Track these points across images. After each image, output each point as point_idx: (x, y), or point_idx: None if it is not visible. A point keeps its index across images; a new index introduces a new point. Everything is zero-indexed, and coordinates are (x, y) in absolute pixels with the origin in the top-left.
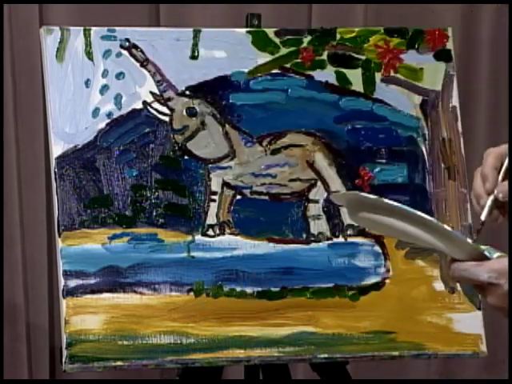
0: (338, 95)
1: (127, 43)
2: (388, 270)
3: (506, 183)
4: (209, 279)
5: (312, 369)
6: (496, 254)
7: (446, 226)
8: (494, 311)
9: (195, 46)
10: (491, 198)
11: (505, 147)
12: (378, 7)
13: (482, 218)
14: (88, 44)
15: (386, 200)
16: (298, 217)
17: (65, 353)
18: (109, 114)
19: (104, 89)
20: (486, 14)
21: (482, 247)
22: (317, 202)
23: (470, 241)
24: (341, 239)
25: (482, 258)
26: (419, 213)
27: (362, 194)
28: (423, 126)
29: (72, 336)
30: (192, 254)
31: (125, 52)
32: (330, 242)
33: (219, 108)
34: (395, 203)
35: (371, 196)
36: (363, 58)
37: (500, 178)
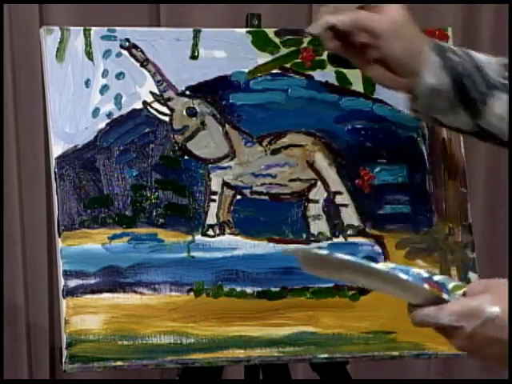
0: (338, 95)
1: (127, 43)
2: None
3: (341, 12)
4: (209, 279)
5: (312, 369)
6: (452, 284)
7: (400, 275)
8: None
9: (195, 46)
10: (325, 18)
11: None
12: None
13: (309, 29)
14: (88, 44)
15: (337, 254)
16: (298, 217)
17: (65, 353)
18: (109, 114)
19: (104, 89)
20: (486, 14)
21: (436, 277)
22: (317, 202)
23: (425, 286)
24: (341, 239)
25: (440, 300)
26: (373, 265)
27: (313, 250)
28: (423, 126)
29: (72, 336)
30: (192, 254)
31: (125, 52)
32: (330, 242)
33: (219, 108)
34: (347, 257)
35: (321, 252)
36: None
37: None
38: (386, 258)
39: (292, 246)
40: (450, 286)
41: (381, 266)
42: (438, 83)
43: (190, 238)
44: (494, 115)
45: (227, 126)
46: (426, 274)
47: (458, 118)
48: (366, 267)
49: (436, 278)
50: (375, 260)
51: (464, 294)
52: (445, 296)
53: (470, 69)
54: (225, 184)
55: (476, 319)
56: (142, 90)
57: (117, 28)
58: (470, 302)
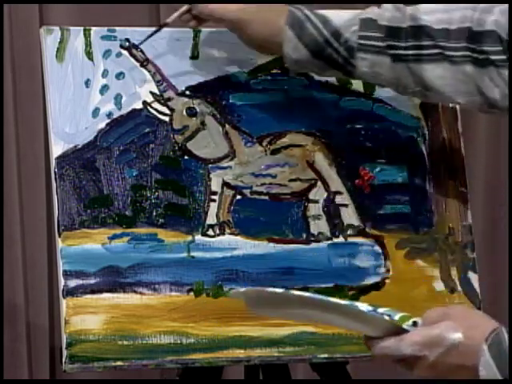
0: (338, 95)
1: (127, 43)
2: (388, 270)
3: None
4: (209, 279)
5: (312, 369)
6: (398, 316)
7: (359, 307)
8: (494, 310)
9: (195, 46)
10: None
11: None
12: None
13: (167, 20)
14: (88, 44)
15: (295, 292)
16: (298, 217)
17: (65, 353)
18: (109, 114)
19: (104, 89)
20: None
21: (381, 310)
22: (317, 202)
23: (385, 317)
24: (341, 239)
25: (399, 331)
26: (331, 299)
27: (267, 289)
28: (423, 126)
29: (72, 336)
30: (192, 254)
31: (125, 52)
32: (330, 241)
33: (219, 108)
34: (305, 294)
35: (277, 290)
36: None
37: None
38: (386, 258)
39: (242, 289)
40: (397, 316)
41: (338, 300)
42: (299, 56)
43: (189, 237)
44: (362, 72)
45: (227, 125)
46: (370, 307)
47: (333, 74)
48: (325, 302)
49: (381, 310)
50: (377, 259)
51: (414, 324)
52: (405, 326)
53: (328, 36)
54: (225, 184)
55: (439, 347)
56: (141, 90)
57: (117, 28)
58: (431, 330)
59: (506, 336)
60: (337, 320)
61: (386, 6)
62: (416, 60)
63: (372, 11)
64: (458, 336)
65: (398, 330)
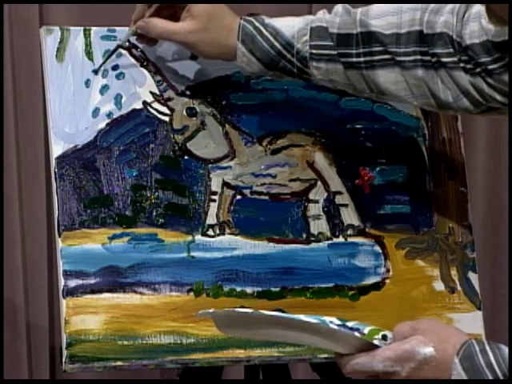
0: (338, 95)
1: (127, 43)
2: (388, 270)
3: (146, 23)
4: (209, 279)
5: (312, 369)
6: (367, 329)
7: (330, 325)
8: (494, 310)
9: None
10: (133, 27)
11: None
12: None
13: (120, 42)
14: (88, 44)
15: (264, 312)
16: (298, 217)
17: (65, 353)
18: (109, 114)
19: (104, 89)
20: None
21: (350, 324)
22: (317, 202)
23: (356, 334)
24: (341, 239)
25: (370, 346)
26: (301, 317)
27: (236, 310)
28: (423, 126)
29: (72, 336)
30: (192, 254)
31: (125, 52)
32: (330, 241)
33: (219, 108)
34: (272, 313)
35: (246, 310)
36: None
37: (147, 12)
38: (386, 258)
39: (210, 310)
40: (366, 330)
41: (306, 317)
42: (254, 70)
43: (189, 237)
44: (319, 79)
45: (227, 125)
46: (338, 321)
47: (291, 80)
48: (295, 320)
49: (350, 324)
50: (377, 259)
51: (384, 338)
52: (376, 342)
53: (279, 49)
54: (225, 184)
55: (410, 362)
56: (141, 90)
57: (117, 28)
58: (402, 345)
59: (478, 348)
60: (307, 338)
61: (337, 8)
62: (368, 67)
63: (323, 17)
64: (429, 350)
65: (368, 346)
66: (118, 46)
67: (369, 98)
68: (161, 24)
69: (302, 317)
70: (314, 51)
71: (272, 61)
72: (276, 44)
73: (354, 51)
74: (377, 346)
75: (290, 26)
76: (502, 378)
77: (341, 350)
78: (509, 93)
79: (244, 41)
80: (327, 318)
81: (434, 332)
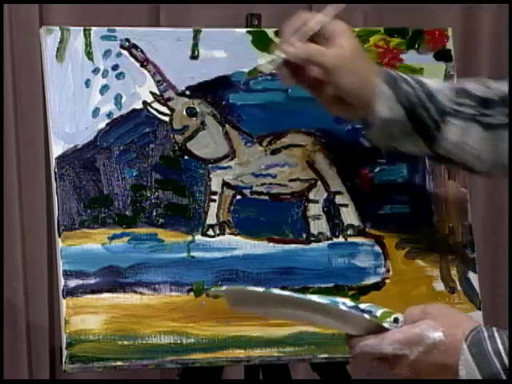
0: None
1: (127, 43)
2: (388, 270)
3: (293, 46)
4: (209, 279)
5: (312, 369)
6: (379, 312)
7: (340, 306)
8: (494, 310)
9: (195, 46)
10: (277, 53)
11: (319, 16)
12: (378, 7)
13: (261, 67)
14: (88, 44)
15: (275, 290)
16: (298, 217)
17: (65, 353)
18: (109, 114)
19: (104, 89)
20: (486, 14)
21: (363, 305)
22: (317, 202)
23: (366, 316)
24: (341, 239)
25: (380, 329)
26: (312, 298)
27: (248, 288)
28: None
29: (72, 336)
30: (192, 254)
31: (125, 52)
32: (330, 241)
33: (219, 108)
34: (285, 292)
35: (258, 289)
36: None
37: (293, 38)
38: (386, 258)
39: (223, 287)
40: (379, 313)
41: (318, 298)
42: (392, 114)
43: (189, 238)
44: (448, 142)
45: (227, 125)
46: (351, 303)
47: (413, 145)
48: (306, 301)
49: (362, 306)
50: (377, 259)
51: (395, 321)
52: (385, 325)
53: (423, 97)
54: (225, 184)
55: (419, 346)
56: (141, 90)
57: (117, 28)
58: (412, 329)
59: (486, 335)
60: (318, 319)
61: (474, 83)
62: (504, 127)
63: (464, 83)
64: (438, 335)
65: (378, 329)
66: (259, 72)
67: (480, 173)
68: (309, 46)
69: (314, 297)
70: (455, 107)
71: (412, 106)
72: (419, 91)
73: (494, 113)
74: (387, 329)
75: (431, 80)
76: (508, 365)
77: (351, 331)
78: (509, 93)
79: (388, 82)
80: (340, 300)
81: (444, 317)
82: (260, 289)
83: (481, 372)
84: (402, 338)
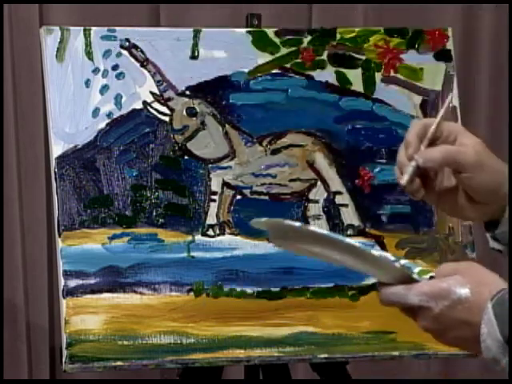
0: (338, 95)
1: (127, 43)
2: None
3: (428, 150)
4: (209, 279)
5: (312, 369)
6: (417, 269)
7: (372, 251)
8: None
9: (195, 46)
10: (412, 163)
11: (430, 120)
12: (378, 7)
13: (403, 182)
14: (88, 44)
15: (311, 227)
16: (298, 217)
17: (65, 353)
18: (109, 114)
19: (104, 89)
20: (486, 13)
21: (403, 261)
22: (317, 202)
23: (396, 264)
24: None
25: (410, 280)
26: (346, 240)
27: (286, 221)
28: None
29: (72, 336)
30: (192, 254)
31: (125, 52)
32: None
33: (219, 108)
34: (320, 230)
35: (295, 223)
36: (363, 57)
37: (423, 145)
38: None
39: (263, 219)
40: (416, 270)
41: (354, 242)
42: None
43: (190, 238)
44: None
45: (227, 125)
46: (392, 258)
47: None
48: (340, 242)
49: (402, 261)
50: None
51: (431, 279)
52: (415, 276)
53: None
54: (225, 184)
55: (445, 300)
56: (141, 90)
57: (117, 28)
58: (440, 283)
59: None
60: (350, 261)
61: None
62: None
63: None
64: (465, 291)
65: (408, 280)
66: (403, 187)
67: None
68: (443, 147)
69: (349, 240)
70: None
71: None
72: None
73: None
74: (416, 281)
75: None
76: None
77: (381, 277)
78: (509, 94)
79: None
80: (381, 252)
81: (473, 275)
82: (297, 223)
83: (502, 333)
84: (428, 290)
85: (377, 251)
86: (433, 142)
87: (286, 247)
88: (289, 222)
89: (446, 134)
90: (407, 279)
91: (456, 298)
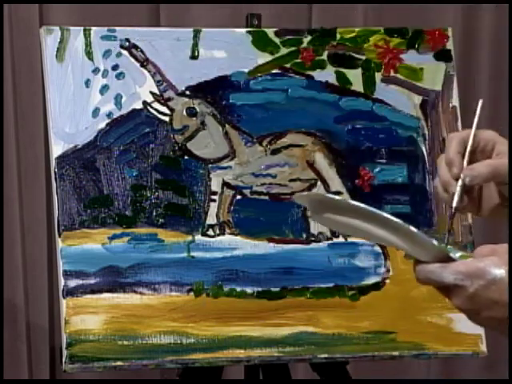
0: (338, 95)
1: (127, 43)
2: (388, 270)
3: (471, 166)
4: (209, 279)
5: (312, 369)
6: (459, 254)
7: (411, 228)
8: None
9: (195, 46)
10: (459, 183)
11: (466, 132)
12: (378, 7)
13: (454, 204)
14: (88, 44)
15: (351, 201)
16: (298, 217)
17: (65, 353)
18: (109, 114)
19: (104, 89)
20: (486, 13)
21: (446, 247)
22: None
23: (434, 242)
24: (341, 239)
25: (447, 259)
26: (384, 214)
27: (327, 195)
28: (423, 126)
29: (72, 336)
30: (192, 254)
31: (125, 52)
32: (330, 242)
33: (219, 108)
34: (360, 204)
35: (335, 197)
36: (363, 58)
37: (465, 162)
38: (386, 258)
39: (305, 193)
40: (458, 254)
41: (393, 217)
42: None
43: (190, 237)
44: None
45: (227, 126)
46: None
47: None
48: (379, 216)
49: (442, 245)
50: (377, 259)
51: None
52: (452, 255)
53: None
54: (225, 184)
55: (480, 280)
56: (141, 90)
57: (117, 28)
58: (476, 262)
59: None
60: (388, 236)
61: None
62: None
63: None
64: (500, 272)
65: (445, 259)
66: (456, 209)
67: None
68: (487, 162)
69: (389, 216)
70: None
71: None
72: None
73: None
74: (453, 260)
75: None
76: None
77: (418, 255)
78: (509, 94)
79: None
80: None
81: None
82: (337, 197)
83: None
84: (464, 269)
85: (415, 228)
86: (472, 153)
87: (326, 222)
88: (329, 195)
89: (484, 143)
90: (444, 258)
91: (491, 278)
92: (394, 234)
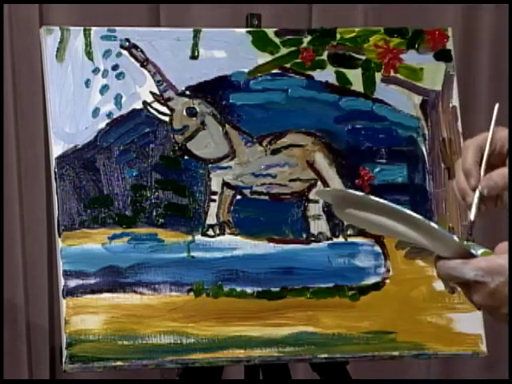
0: (338, 95)
1: (127, 43)
2: (388, 270)
3: (489, 176)
4: (209, 279)
5: (312, 369)
6: (481, 251)
7: (432, 224)
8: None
9: (195, 46)
10: (477, 194)
11: (482, 138)
12: (378, 7)
13: (472, 217)
14: (88, 44)
15: (373, 197)
16: (298, 217)
17: (65, 353)
18: (109, 114)
19: (104, 89)
20: (486, 13)
21: (468, 243)
22: (317, 202)
23: (455, 238)
24: (341, 239)
25: (468, 255)
26: (405, 210)
27: (349, 190)
28: (423, 126)
29: (72, 336)
30: (192, 254)
31: (125, 52)
32: (330, 241)
33: (219, 108)
34: (382, 200)
35: (357, 193)
36: (363, 57)
37: (482, 172)
38: (386, 258)
39: (327, 188)
40: (480, 251)
41: (414, 214)
42: None
43: (190, 237)
44: None
45: (227, 126)
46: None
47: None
48: (401, 212)
49: (465, 243)
50: (377, 259)
51: None
52: (473, 251)
53: None
54: (225, 184)
55: (501, 276)
56: (141, 90)
57: (117, 28)
58: (497, 259)
59: None
60: (409, 233)
61: None
62: None
63: None
64: None
65: (466, 254)
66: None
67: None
68: (503, 170)
69: (410, 212)
70: None
71: None
72: None
73: None
74: (474, 256)
75: None
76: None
77: (439, 250)
78: (509, 94)
79: None
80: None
81: None
82: (360, 192)
83: None
84: (485, 265)
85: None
86: (489, 156)
87: (347, 217)
88: (352, 191)
89: (500, 146)
90: (465, 254)
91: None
92: (415, 231)
